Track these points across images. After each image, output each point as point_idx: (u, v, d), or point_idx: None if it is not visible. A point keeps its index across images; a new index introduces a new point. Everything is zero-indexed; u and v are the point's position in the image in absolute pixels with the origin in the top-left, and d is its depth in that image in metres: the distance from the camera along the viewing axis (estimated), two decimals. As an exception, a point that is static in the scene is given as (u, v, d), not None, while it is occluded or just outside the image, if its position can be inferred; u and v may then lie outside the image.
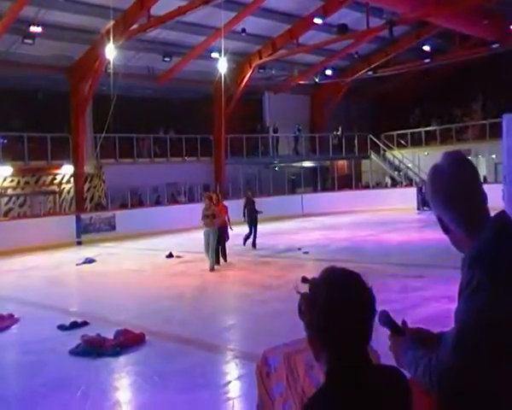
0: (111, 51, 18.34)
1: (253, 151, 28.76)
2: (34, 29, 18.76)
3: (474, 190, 1.75)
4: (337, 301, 1.52)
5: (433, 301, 8.76)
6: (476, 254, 1.66)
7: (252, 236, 16.56)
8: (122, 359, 7.08)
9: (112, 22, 18.37)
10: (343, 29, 21.72)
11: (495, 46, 24.17)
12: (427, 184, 1.83)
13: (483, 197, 1.75)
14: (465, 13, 21.16)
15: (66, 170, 22.73)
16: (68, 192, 22.96)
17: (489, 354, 1.57)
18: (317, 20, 22.55)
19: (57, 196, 22.90)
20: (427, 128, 31.37)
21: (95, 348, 7.19)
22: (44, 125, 21.21)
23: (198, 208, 13.56)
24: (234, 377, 6.41)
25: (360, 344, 1.57)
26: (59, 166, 22.62)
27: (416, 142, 31.38)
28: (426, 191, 1.85)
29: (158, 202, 24.97)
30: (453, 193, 1.72)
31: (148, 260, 15.90)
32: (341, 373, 1.54)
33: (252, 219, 16.63)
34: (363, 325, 1.55)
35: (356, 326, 1.53)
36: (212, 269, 12.65)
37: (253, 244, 16.54)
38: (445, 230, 1.80)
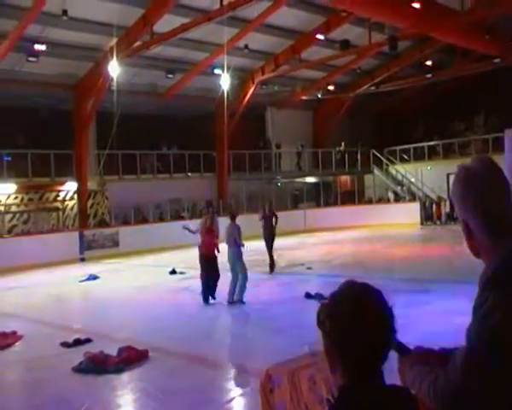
0: (114, 68, 18.45)
1: (255, 167, 28.80)
2: (38, 47, 18.91)
3: (506, 199, 1.71)
4: (358, 316, 1.52)
5: (437, 316, 8.72)
6: (492, 273, 1.62)
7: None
8: (125, 376, 7.05)
9: (115, 39, 18.53)
10: (345, 45, 21.82)
11: (496, 61, 24.25)
12: (455, 184, 1.76)
13: (511, 208, 1.72)
14: (466, 28, 21.27)
15: (70, 187, 22.79)
16: (72, 209, 22.99)
17: (500, 378, 1.53)
18: (320, 36, 22.72)
19: (60, 212, 22.93)
20: (430, 143, 31.38)
21: (98, 366, 7.16)
22: (48, 142, 21.30)
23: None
24: (237, 393, 6.37)
25: (377, 361, 1.56)
26: (62, 183, 22.69)
27: (418, 156, 31.39)
28: (453, 192, 1.77)
29: (161, 219, 24.98)
30: (485, 198, 1.68)
31: (151, 277, 15.88)
32: (353, 391, 1.53)
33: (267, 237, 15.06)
34: (383, 342, 1.55)
35: (376, 342, 1.53)
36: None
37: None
38: (469, 235, 1.76)
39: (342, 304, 1.55)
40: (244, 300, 11.02)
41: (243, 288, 11.08)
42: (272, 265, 14.81)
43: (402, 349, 1.84)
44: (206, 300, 11.29)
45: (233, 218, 11.78)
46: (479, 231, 1.70)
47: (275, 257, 15.02)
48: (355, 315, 1.51)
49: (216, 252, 11.50)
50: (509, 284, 1.57)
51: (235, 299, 11.05)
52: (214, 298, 11.35)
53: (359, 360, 1.53)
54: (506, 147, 8.28)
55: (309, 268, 15.12)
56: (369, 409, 1.51)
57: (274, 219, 15.32)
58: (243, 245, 11.36)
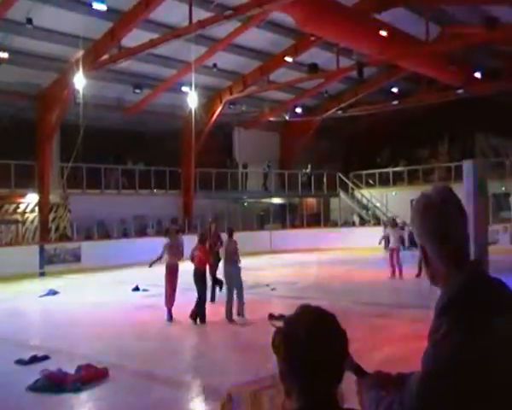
0: (80, 81, 18.23)
1: (222, 186, 28.76)
2: (0, 55, 18.55)
3: (462, 230, 1.76)
4: (310, 341, 1.53)
5: (399, 341, 8.78)
6: (447, 300, 1.66)
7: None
8: (83, 395, 6.87)
9: (82, 51, 18.33)
10: (313, 68, 22.13)
11: (460, 91, 24.95)
12: (414, 211, 1.80)
13: (467, 237, 1.77)
14: (431, 58, 21.87)
15: (31, 199, 22.29)
16: (32, 222, 22.45)
17: (453, 403, 1.56)
18: (288, 59, 22.99)
19: (20, 225, 22.39)
20: (395, 169, 31.95)
21: (55, 384, 6.94)
22: (9, 152, 20.76)
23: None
24: (198, 414, 6.27)
25: (329, 385, 1.57)
26: (23, 195, 22.19)
27: (384, 181, 31.88)
28: (412, 219, 1.81)
29: (125, 235, 24.65)
30: (442, 229, 1.72)
31: (113, 294, 15.60)
32: None
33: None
34: (335, 365, 1.56)
35: (327, 367, 1.54)
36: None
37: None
38: (426, 261, 1.79)
39: (296, 329, 1.56)
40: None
41: (243, 302, 11.28)
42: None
43: (359, 372, 1.86)
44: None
45: (231, 234, 11.80)
46: (435, 258, 1.74)
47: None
48: (308, 340, 1.53)
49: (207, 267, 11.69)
50: (463, 312, 1.60)
51: (238, 315, 11.16)
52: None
53: (313, 382, 1.54)
54: (464, 176, 8.55)
55: (273, 289, 15.12)
56: None
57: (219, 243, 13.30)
58: (240, 261, 11.50)
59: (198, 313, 11.04)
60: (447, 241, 1.71)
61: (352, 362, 1.83)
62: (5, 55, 18.63)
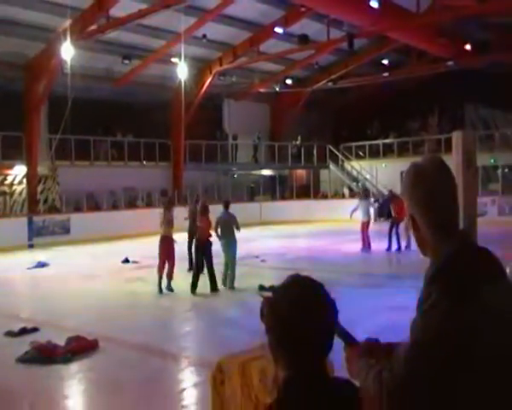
0: (68, 51, 17.94)
1: (212, 158, 28.64)
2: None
3: (452, 200, 1.77)
4: (297, 311, 1.54)
5: (387, 311, 8.87)
6: (436, 271, 1.67)
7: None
8: (74, 366, 6.90)
9: (69, 21, 17.99)
10: (304, 39, 21.93)
11: (450, 63, 24.86)
12: (405, 180, 1.81)
13: (457, 208, 1.78)
14: (421, 30, 21.73)
15: (19, 171, 22.08)
16: (20, 194, 22.28)
17: (441, 372, 1.57)
18: (278, 30, 22.74)
19: (8, 197, 22.20)
20: (385, 141, 31.95)
21: (44, 356, 6.97)
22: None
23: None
24: (188, 384, 6.33)
25: (317, 355, 1.58)
26: (11, 167, 21.96)
27: (374, 153, 31.91)
28: (403, 188, 1.82)
29: (115, 207, 24.57)
30: (433, 198, 1.73)
31: (103, 265, 15.60)
32: (296, 383, 1.55)
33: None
34: (323, 336, 1.57)
35: (314, 337, 1.55)
36: None
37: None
38: (415, 230, 1.80)
39: (283, 299, 1.57)
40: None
41: (235, 275, 11.53)
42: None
43: (348, 338, 1.86)
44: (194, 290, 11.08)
45: (227, 206, 11.86)
46: (424, 228, 1.75)
47: None
48: (293, 312, 1.54)
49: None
50: (452, 282, 1.61)
51: (229, 286, 11.42)
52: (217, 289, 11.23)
53: (301, 352, 1.55)
54: (453, 147, 8.57)
55: (263, 261, 15.19)
56: (311, 400, 1.53)
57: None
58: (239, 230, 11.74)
59: (194, 283, 11.07)
60: (437, 210, 1.72)
61: (342, 330, 1.84)
62: (-10, 23, 18.24)
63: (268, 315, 1.58)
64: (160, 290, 11.23)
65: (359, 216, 16.82)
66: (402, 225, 15.81)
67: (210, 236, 11.39)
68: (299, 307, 1.54)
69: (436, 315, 1.57)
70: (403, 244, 16.07)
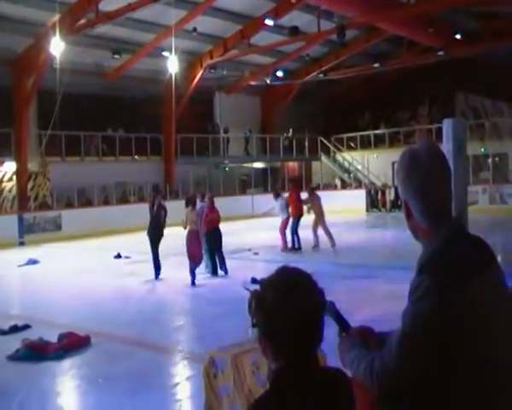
0: (57, 46, 17.79)
1: (203, 151, 28.55)
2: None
3: (446, 186, 1.75)
4: (282, 302, 1.53)
5: (380, 301, 8.89)
6: (427, 260, 1.66)
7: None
8: (66, 362, 6.86)
9: (58, 16, 17.83)
10: (294, 31, 21.84)
11: (440, 53, 24.88)
12: (400, 165, 1.80)
13: (450, 194, 1.76)
14: (411, 20, 21.70)
15: (8, 167, 21.92)
16: (10, 191, 22.10)
17: (430, 362, 1.58)
18: (269, 22, 22.64)
19: (-3, 194, 22.03)
20: (376, 131, 31.98)
21: (36, 352, 6.92)
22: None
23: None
24: (182, 378, 6.32)
25: (306, 346, 1.57)
26: (0, 164, 21.81)
27: (365, 144, 31.94)
28: (397, 173, 1.81)
29: (106, 202, 24.45)
30: (427, 184, 1.72)
31: (95, 261, 15.53)
32: (285, 375, 1.55)
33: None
34: (310, 326, 1.56)
35: (302, 328, 1.54)
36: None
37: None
38: (409, 216, 1.78)
39: (268, 291, 1.56)
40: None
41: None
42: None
43: (342, 323, 1.88)
44: (216, 272, 12.19)
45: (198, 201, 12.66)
46: (418, 214, 1.74)
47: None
48: (279, 304, 1.53)
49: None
50: (444, 269, 1.61)
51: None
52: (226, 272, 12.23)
53: (288, 345, 1.54)
54: (444, 135, 8.64)
55: (256, 253, 15.17)
56: (301, 391, 1.53)
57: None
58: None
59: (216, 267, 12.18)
60: (431, 197, 1.71)
61: (337, 313, 1.85)
62: (-22, 19, 18.05)
63: (255, 308, 1.58)
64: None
65: (278, 215, 15.83)
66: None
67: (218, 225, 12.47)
68: (284, 298, 1.53)
69: (426, 305, 1.57)
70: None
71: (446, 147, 7.64)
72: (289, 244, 15.23)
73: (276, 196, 16.06)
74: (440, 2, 20.33)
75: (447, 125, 8.97)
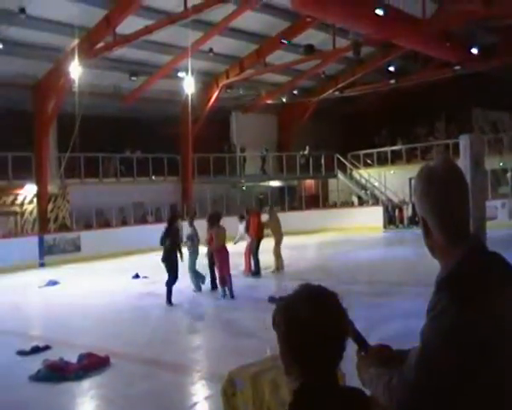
0: (76, 70, 18.11)
1: (220, 171, 28.68)
2: (-6, 45, 18.33)
3: (463, 202, 1.73)
4: (311, 318, 1.53)
5: (399, 318, 8.79)
6: (445, 277, 1.65)
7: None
8: (85, 383, 6.88)
9: (77, 40, 18.17)
10: (310, 49, 21.96)
11: (457, 68, 24.79)
12: (417, 182, 1.78)
13: (468, 210, 1.75)
14: (428, 36, 21.68)
15: (29, 190, 22.23)
16: (31, 213, 22.39)
17: (450, 378, 1.56)
18: (285, 41, 22.79)
19: (19, 216, 22.33)
20: (393, 147, 31.84)
21: (56, 373, 6.95)
22: (6, 144, 20.62)
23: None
24: (200, 398, 6.29)
25: (329, 363, 1.58)
26: (21, 186, 22.12)
27: (382, 161, 31.79)
28: (415, 189, 1.79)
29: (124, 223, 24.63)
30: (444, 200, 1.70)
31: (113, 282, 15.61)
32: (307, 393, 1.54)
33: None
34: (338, 344, 1.57)
35: (331, 345, 1.55)
36: None
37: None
38: (427, 233, 1.77)
39: (297, 307, 1.56)
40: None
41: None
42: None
43: (362, 343, 1.87)
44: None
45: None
46: (436, 231, 1.73)
47: None
48: (308, 318, 1.53)
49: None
50: (462, 288, 1.59)
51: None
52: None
53: (313, 362, 1.54)
54: (461, 151, 8.59)
55: (273, 272, 15.13)
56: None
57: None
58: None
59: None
60: (449, 214, 1.70)
61: (357, 333, 1.85)
62: (-1, 45, 18.43)
63: (280, 323, 1.58)
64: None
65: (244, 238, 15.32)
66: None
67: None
68: (313, 316, 1.53)
69: (445, 323, 1.56)
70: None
71: (464, 162, 7.59)
72: (254, 267, 14.84)
73: (241, 218, 15.81)
74: (456, 18, 20.28)
75: (464, 140, 8.94)
